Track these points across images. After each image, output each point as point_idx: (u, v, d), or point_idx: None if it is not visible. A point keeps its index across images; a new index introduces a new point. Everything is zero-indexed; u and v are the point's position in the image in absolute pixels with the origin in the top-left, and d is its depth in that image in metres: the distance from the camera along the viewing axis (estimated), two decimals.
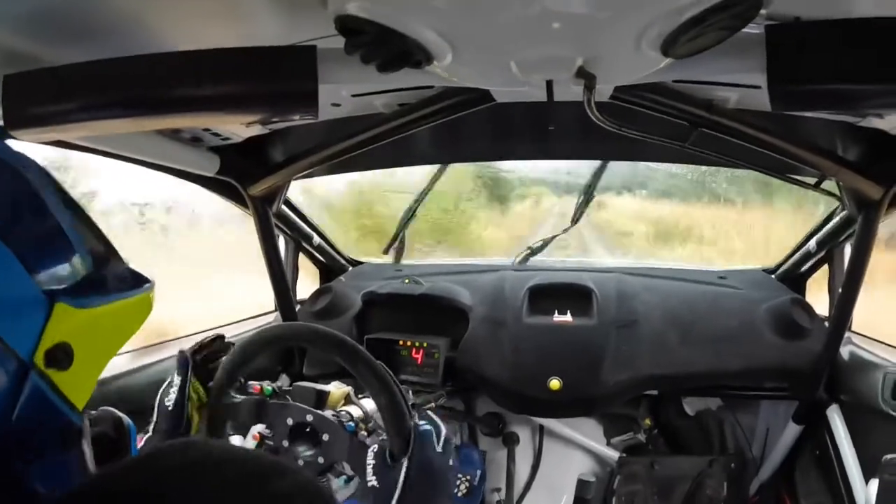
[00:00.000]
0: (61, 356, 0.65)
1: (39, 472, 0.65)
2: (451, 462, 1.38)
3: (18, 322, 0.62)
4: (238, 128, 1.86)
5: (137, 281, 0.78)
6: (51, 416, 0.66)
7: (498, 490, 2.67)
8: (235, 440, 1.48)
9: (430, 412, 1.45)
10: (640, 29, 1.05)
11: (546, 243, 2.80)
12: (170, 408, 1.43)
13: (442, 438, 1.36)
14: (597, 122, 1.44)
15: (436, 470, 1.33)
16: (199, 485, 0.63)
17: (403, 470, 1.26)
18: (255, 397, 1.51)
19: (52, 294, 0.64)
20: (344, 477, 1.45)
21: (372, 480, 1.29)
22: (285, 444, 1.47)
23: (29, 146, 1.34)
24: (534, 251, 2.82)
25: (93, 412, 0.90)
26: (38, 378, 0.63)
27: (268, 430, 1.48)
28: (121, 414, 0.97)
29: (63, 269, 0.67)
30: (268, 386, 1.53)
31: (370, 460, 1.30)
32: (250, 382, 1.57)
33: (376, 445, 1.32)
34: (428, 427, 1.35)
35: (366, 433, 1.44)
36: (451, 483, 1.40)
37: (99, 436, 0.88)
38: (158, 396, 1.45)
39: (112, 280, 0.73)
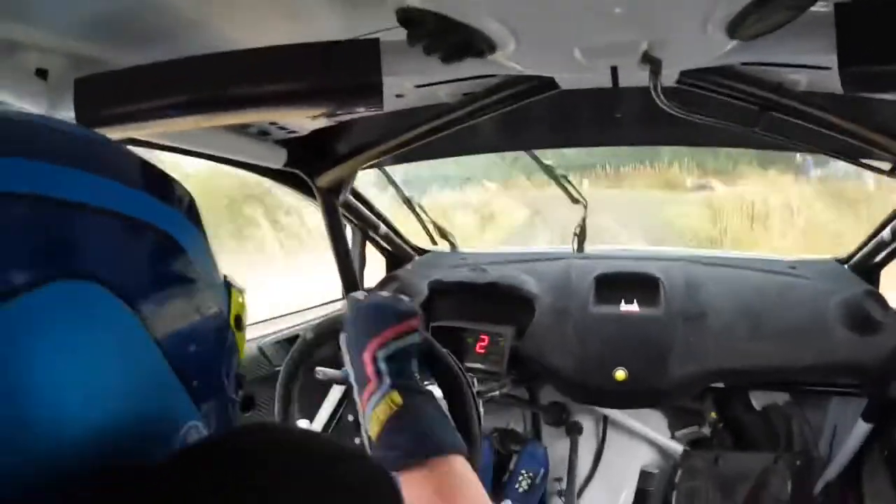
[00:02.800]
0: (239, 322, 0.84)
1: (227, 414, 0.82)
2: None
3: (222, 298, 0.79)
4: (304, 121, 1.89)
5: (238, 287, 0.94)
6: (235, 362, 0.83)
7: (559, 480, 2.67)
8: (303, 423, 1.51)
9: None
10: (705, 11, 1.03)
11: (583, 227, 2.75)
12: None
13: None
14: (664, 108, 1.42)
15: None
16: (265, 468, 0.65)
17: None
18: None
19: (226, 282, 0.82)
20: None
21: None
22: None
23: None
24: (580, 236, 2.77)
25: None
26: (232, 336, 0.82)
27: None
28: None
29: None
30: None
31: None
32: (318, 369, 1.59)
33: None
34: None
35: None
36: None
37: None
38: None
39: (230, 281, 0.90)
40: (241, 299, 0.86)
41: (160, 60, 1.22)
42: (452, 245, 2.97)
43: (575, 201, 2.66)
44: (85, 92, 1.25)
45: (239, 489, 0.62)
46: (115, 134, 1.34)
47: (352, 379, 1.13)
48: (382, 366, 1.09)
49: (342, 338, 1.17)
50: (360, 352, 1.12)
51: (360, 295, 1.20)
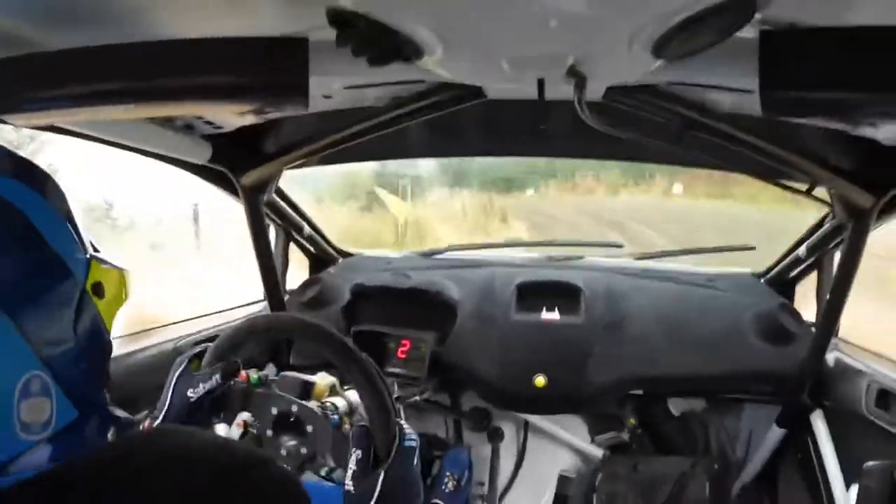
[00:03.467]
0: (99, 289, 0.97)
1: (91, 366, 0.94)
2: (420, 481, 1.38)
3: (77, 265, 0.93)
4: (231, 117, 1.84)
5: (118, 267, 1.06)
6: (96, 328, 0.96)
7: (482, 484, 2.69)
8: (220, 428, 1.48)
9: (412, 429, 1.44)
10: (632, 30, 1.04)
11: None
12: (192, 399, 1.41)
13: (417, 455, 1.35)
14: (587, 122, 1.44)
15: (411, 485, 1.33)
16: (177, 475, 0.64)
17: (380, 481, 1.26)
18: (241, 385, 1.51)
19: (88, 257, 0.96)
20: (326, 468, 1.45)
21: (349, 485, 1.28)
22: (269, 433, 1.46)
23: None
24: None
25: None
26: (89, 299, 0.94)
27: (253, 419, 1.48)
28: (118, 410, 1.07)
29: (83, 244, 0.97)
30: (254, 375, 1.52)
31: (352, 464, 1.30)
32: (234, 362, 1.56)
33: (360, 452, 1.31)
34: (413, 444, 1.35)
35: (349, 426, 1.44)
36: (419, 499, 1.40)
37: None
38: (173, 386, 1.43)
39: (105, 259, 1.02)
40: (103, 270, 0.98)
41: (86, 45, 1.18)
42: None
43: None
44: (5, 73, 1.19)
45: (139, 500, 0.61)
46: (32, 120, 1.29)
47: None
48: None
49: None
50: None
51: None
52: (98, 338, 0.97)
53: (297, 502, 0.72)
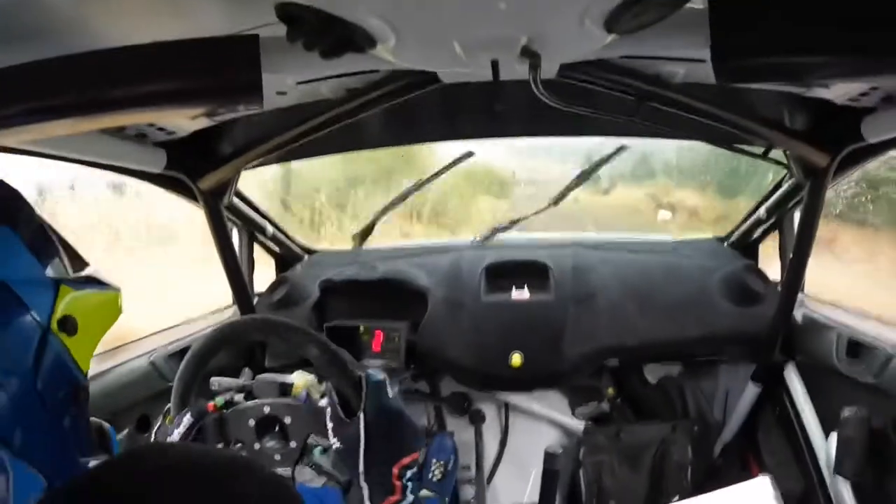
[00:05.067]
0: (69, 325, 0.83)
1: (60, 422, 0.83)
2: (403, 408, 1.39)
3: (37, 297, 0.80)
4: (183, 121, 1.81)
5: (108, 285, 0.96)
6: (64, 369, 0.83)
7: (468, 468, 2.70)
8: None
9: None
10: (582, 7, 1.04)
11: (514, 223, 2.79)
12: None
13: (390, 388, 1.37)
14: (543, 100, 1.44)
15: (393, 414, 1.34)
16: (172, 486, 0.64)
17: (362, 423, 1.26)
18: (212, 416, 1.50)
19: (56, 279, 0.83)
20: (319, 448, 1.45)
21: (335, 442, 1.29)
22: (256, 446, 1.46)
23: None
24: (498, 230, 2.80)
25: None
26: (54, 339, 0.81)
27: (237, 442, 1.47)
28: (100, 420, 1.03)
29: (58, 265, 0.87)
30: (219, 400, 1.52)
31: (329, 422, 1.30)
32: (213, 379, 1.56)
33: (329, 408, 1.32)
34: (380, 377, 1.36)
35: (318, 396, 1.45)
36: (410, 427, 1.41)
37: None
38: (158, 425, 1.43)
39: (91, 279, 0.92)
40: (77, 298, 0.85)
41: (27, 61, 1.14)
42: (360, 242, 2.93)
43: None
44: None
45: None
46: None
47: (362, 480, 1.28)
48: (408, 482, 1.30)
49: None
50: (387, 462, 1.29)
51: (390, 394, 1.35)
52: (66, 386, 0.84)
53: (295, 501, 0.72)
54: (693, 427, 2.58)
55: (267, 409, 1.44)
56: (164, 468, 0.67)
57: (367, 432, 1.27)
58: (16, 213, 0.86)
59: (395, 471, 1.30)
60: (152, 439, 1.43)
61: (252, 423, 1.45)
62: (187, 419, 1.42)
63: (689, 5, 1.04)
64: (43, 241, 0.87)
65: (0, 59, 1.15)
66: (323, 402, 1.38)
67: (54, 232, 0.92)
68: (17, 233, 0.82)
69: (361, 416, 1.28)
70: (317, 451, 1.45)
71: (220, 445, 1.46)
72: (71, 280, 0.87)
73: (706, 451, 2.64)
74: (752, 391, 2.53)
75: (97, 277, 0.94)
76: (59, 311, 0.82)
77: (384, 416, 1.32)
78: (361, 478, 1.27)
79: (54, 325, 0.81)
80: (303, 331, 1.35)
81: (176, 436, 1.41)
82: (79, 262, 0.95)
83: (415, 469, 1.34)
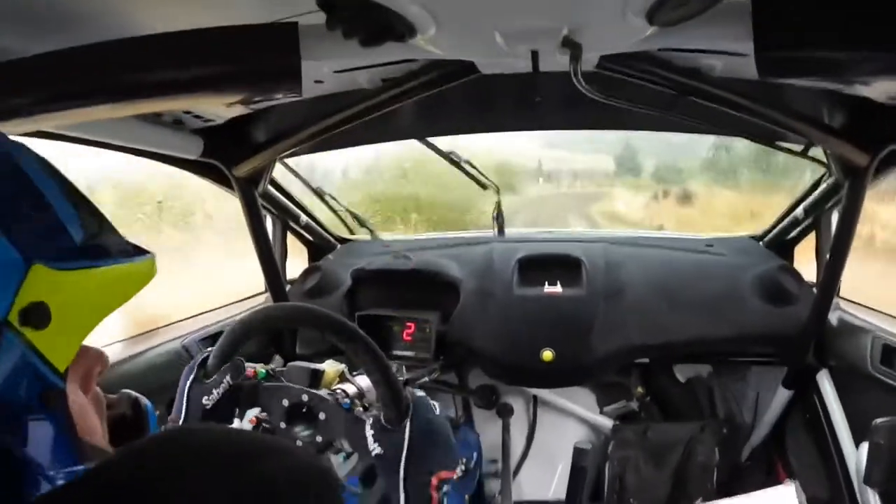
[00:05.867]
0: (37, 315, 0.66)
1: (25, 434, 0.67)
2: (448, 425, 1.39)
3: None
4: (220, 109, 1.83)
5: (136, 251, 0.79)
6: (29, 374, 0.67)
7: (494, 461, 2.70)
8: (234, 423, 1.48)
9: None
10: None
11: (500, 211, 2.75)
12: (208, 406, 1.42)
13: (436, 408, 1.37)
14: (583, 92, 1.43)
15: (437, 429, 1.34)
16: (194, 469, 0.64)
17: (407, 430, 1.27)
18: (250, 382, 1.51)
19: (28, 256, 0.66)
20: (343, 454, 1.46)
21: (375, 448, 1.29)
22: (282, 425, 1.46)
23: None
24: (498, 220, 2.77)
25: (111, 395, 0.90)
26: (14, 335, 0.65)
27: (264, 413, 1.48)
28: (137, 395, 0.98)
29: (46, 235, 0.69)
30: (261, 369, 1.52)
31: (369, 430, 1.31)
32: (241, 360, 1.56)
33: (372, 417, 1.32)
34: (424, 395, 1.36)
35: (362, 409, 1.45)
36: (452, 444, 1.41)
37: (117, 417, 0.90)
38: (186, 394, 1.43)
39: (104, 248, 0.75)
40: (56, 277, 0.68)
41: (70, 47, 1.16)
42: (372, 233, 2.94)
43: (484, 187, 2.64)
44: None
45: (165, 497, 0.60)
46: (22, 126, 1.27)
47: (401, 487, 1.26)
48: (444, 496, 1.28)
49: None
50: (428, 472, 1.27)
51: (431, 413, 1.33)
52: (27, 390, 0.68)
53: (330, 485, 0.72)
54: (721, 428, 2.56)
55: (305, 397, 1.45)
56: (190, 451, 0.67)
57: (411, 440, 1.27)
58: None
59: (434, 481, 1.30)
60: (184, 392, 1.42)
61: (286, 403, 1.46)
62: (227, 382, 1.43)
63: None
64: (31, 205, 0.70)
65: (43, 44, 1.18)
66: (365, 416, 1.38)
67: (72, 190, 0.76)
68: None
69: (408, 423, 1.28)
70: (341, 455, 1.46)
71: (244, 415, 1.47)
72: (58, 253, 0.69)
73: (733, 453, 2.61)
74: (782, 395, 2.49)
75: (115, 247, 0.77)
76: (24, 297, 0.65)
77: (429, 426, 1.32)
78: (401, 485, 1.28)
79: (13, 317, 0.65)
80: (360, 338, 1.34)
81: (215, 395, 1.42)
82: (101, 228, 0.77)
83: (450, 485, 1.34)
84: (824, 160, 1.97)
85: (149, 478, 0.62)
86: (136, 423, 0.95)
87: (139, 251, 0.80)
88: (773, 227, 2.67)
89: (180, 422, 1.40)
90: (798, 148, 1.89)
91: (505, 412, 2.73)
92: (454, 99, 2.04)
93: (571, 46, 1.22)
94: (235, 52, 1.18)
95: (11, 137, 0.72)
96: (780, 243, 2.66)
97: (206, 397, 1.42)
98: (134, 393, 0.97)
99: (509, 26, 1.18)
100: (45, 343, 0.67)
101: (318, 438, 1.44)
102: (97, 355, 0.80)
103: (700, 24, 1.12)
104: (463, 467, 1.57)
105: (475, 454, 1.90)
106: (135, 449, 0.70)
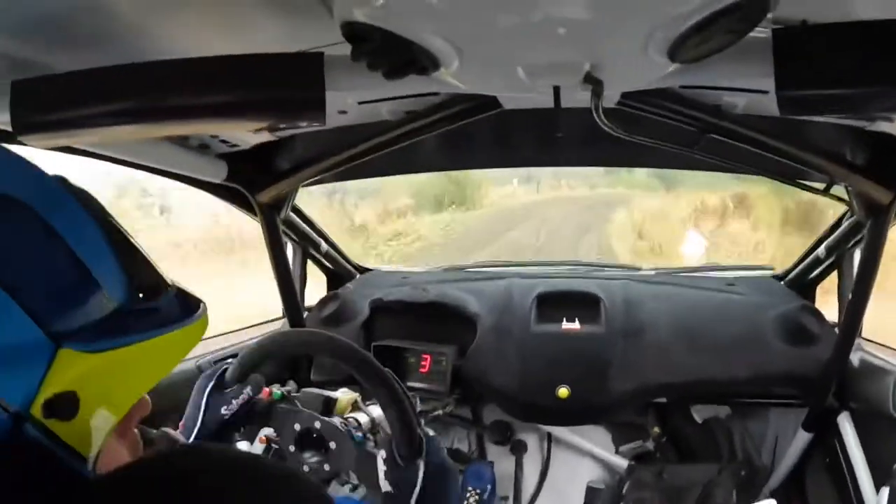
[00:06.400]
0: (64, 406, 0.59)
1: None
2: (456, 469, 1.39)
3: (12, 371, 0.56)
4: (246, 135, 1.86)
5: (184, 309, 0.73)
6: (49, 466, 0.60)
7: (506, 499, 2.67)
8: (242, 445, 1.48)
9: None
10: (646, 34, 1.04)
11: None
12: (226, 417, 1.42)
13: (444, 449, 1.36)
14: (605, 129, 1.44)
15: (449, 470, 1.33)
16: (209, 491, 0.64)
17: (421, 471, 1.26)
18: (264, 402, 1.51)
19: (57, 337, 0.58)
20: (349, 485, 1.45)
21: (386, 486, 1.28)
22: (291, 448, 1.46)
23: None
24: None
25: (152, 431, 0.89)
26: (34, 429, 0.57)
27: (275, 434, 1.48)
28: (177, 435, 0.98)
29: (79, 307, 0.61)
30: (277, 390, 1.53)
31: (381, 466, 1.30)
32: (260, 377, 1.57)
33: (384, 452, 1.31)
34: (434, 436, 1.35)
35: (374, 444, 1.44)
36: (457, 486, 1.40)
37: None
38: (204, 403, 1.43)
39: (146, 316, 0.67)
40: (84, 366, 0.59)
41: (100, 66, 1.19)
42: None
43: None
44: (22, 95, 1.19)
45: None
46: (50, 142, 1.29)
47: None
48: None
49: None
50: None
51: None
52: (51, 484, 0.61)
53: None
54: (740, 471, 2.51)
55: (318, 425, 1.45)
56: (208, 467, 0.67)
57: (424, 481, 1.27)
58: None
59: None
60: (202, 400, 1.41)
61: (297, 427, 1.46)
62: (247, 394, 1.43)
63: (752, 35, 1.04)
64: (61, 272, 0.61)
65: (70, 62, 1.21)
66: (377, 451, 1.38)
67: (117, 239, 0.68)
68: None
69: (422, 464, 1.28)
70: (347, 486, 1.46)
71: (256, 434, 1.47)
72: (93, 331, 0.61)
73: (751, 497, 2.56)
74: (802, 438, 2.45)
75: (162, 308, 0.70)
76: (48, 388, 0.57)
77: (442, 469, 1.32)
78: None
79: (36, 410, 0.57)
80: (379, 372, 1.34)
81: (234, 405, 1.42)
82: (140, 281, 0.69)
83: None
84: (846, 198, 1.96)
85: (161, 490, 0.62)
86: None
87: (187, 307, 0.73)
88: (795, 266, 2.65)
89: (194, 430, 1.39)
90: (820, 186, 1.88)
91: (519, 448, 2.71)
92: (476, 132, 2.06)
93: (593, 82, 1.23)
94: (261, 80, 1.20)
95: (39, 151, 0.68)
96: (802, 283, 2.63)
97: (225, 407, 1.42)
98: (173, 432, 0.98)
99: (532, 61, 1.20)
100: (71, 433, 0.60)
101: (326, 467, 1.43)
102: (140, 403, 0.75)
103: (722, 61, 1.13)
104: (477, 498, 1.56)
105: (489, 487, 1.89)
106: (150, 461, 0.69)
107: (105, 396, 0.63)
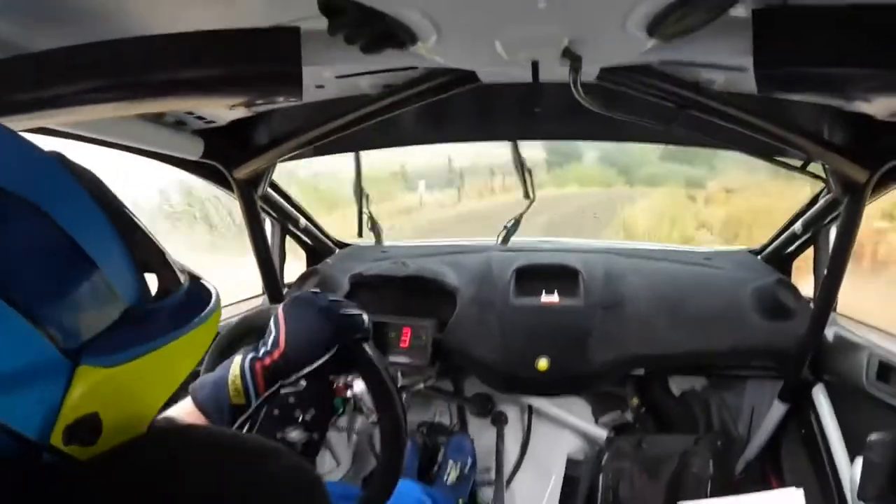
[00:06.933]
0: (86, 430, 0.54)
1: None
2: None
3: (26, 396, 0.50)
4: (222, 111, 1.84)
5: (200, 301, 0.68)
6: (67, 489, 0.55)
7: (488, 470, 2.69)
8: None
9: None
10: (626, 9, 1.04)
11: (518, 220, 2.74)
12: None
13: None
14: (583, 104, 1.43)
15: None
16: (201, 461, 0.64)
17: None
18: None
19: (74, 353, 0.52)
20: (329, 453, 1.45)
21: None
22: (273, 424, 1.46)
23: None
24: (510, 230, 2.77)
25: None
26: (53, 457, 0.53)
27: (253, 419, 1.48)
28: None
29: (94, 314, 0.55)
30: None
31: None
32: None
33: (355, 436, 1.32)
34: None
35: (353, 409, 1.45)
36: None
37: None
38: None
39: (163, 315, 0.63)
40: (105, 381, 0.54)
41: (74, 44, 1.17)
42: (378, 238, 2.93)
43: (526, 195, 2.63)
44: None
45: (159, 494, 0.60)
46: (24, 122, 1.27)
47: None
48: None
49: None
50: None
51: None
52: None
53: (313, 487, 0.73)
54: (716, 441, 2.55)
55: (292, 400, 1.45)
56: (195, 444, 0.68)
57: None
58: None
59: None
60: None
61: (276, 412, 1.46)
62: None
63: (732, 12, 1.04)
64: (71, 276, 0.55)
65: (45, 41, 1.18)
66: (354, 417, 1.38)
67: (124, 225, 0.62)
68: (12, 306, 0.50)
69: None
70: (326, 455, 1.46)
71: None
72: (111, 340, 0.55)
73: (728, 466, 2.60)
74: (778, 409, 2.49)
75: (181, 303, 0.65)
76: (69, 413, 0.52)
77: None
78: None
79: (56, 440, 0.52)
80: (367, 357, 1.33)
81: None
82: (156, 270, 0.65)
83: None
84: (823, 175, 1.97)
85: (156, 465, 0.62)
86: None
87: (201, 297, 0.67)
88: (772, 241, 2.68)
89: None
90: (797, 163, 1.89)
91: (499, 421, 2.73)
92: (456, 106, 2.04)
93: (571, 57, 1.23)
94: (237, 55, 1.19)
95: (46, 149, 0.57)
96: (779, 257, 2.66)
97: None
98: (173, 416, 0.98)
99: (510, 36, 1.19)
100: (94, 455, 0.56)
101: (315, 436, 1.44)
102: None
103: (701, 38, 1.13)
104: (458, 472, 1.57)
105: (469, 459, 1.90)
106: (142, 438, 0.64)
107: (128, 413, 0.59)
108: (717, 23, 1.06)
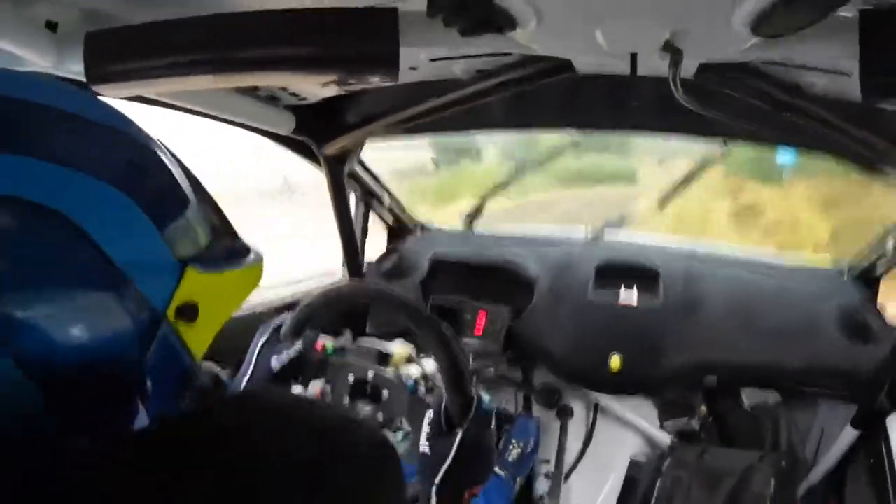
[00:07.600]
0: (189, 312, 0.74)
1: (157, 408, 0.75)
2: (494, 444, 1.40)
3: (157, 282, 0.71)
4: (315, 88, 1.88)
5: (251, 252, 0.88)
6: (175, 361, 0.76)
7: (547, 462, 2.69)
8: (296, 389, 1.51)
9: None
10: (731, 3, 1.01)
11: (623, 220, 2.72)
12: (276, 369, 1.46)
13: (493, 423, 1.37)
14: (679, 100, 1.40)
15: (485, 448, 1.34)
16: (282, 428, 0.69)
17: (455, 443, 1.27)
18: (316, 355, 1.54)
19: (183, 260, 0.73)
20: (402, 432, 1.48)
21: (424, 447, 1.30)
22: (345, 401, 1.50)
23: None
24: (608, 226, 2.74)
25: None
26: (168, 329, 0.73)
27: (328, 386, 1.51)
28: (218, 369, 1.04)
29: (191, 239, 0.76)
30: (329, 344, 1.55)
31: (426, 426, 1.31)
32: (314, 333, 1.59)
33: (432, 412, 1.32)
34: (490, 407, 1.36)
35: (425, 390, 1.46)
36: (491, 461, 1.41)
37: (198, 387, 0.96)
38: (256, 353, 1.46)
39: (230, 250, 0.84)
40: (204, 280, 0.75)
41: (173, 18, 1.20)
42: (469, 224, 2.93)
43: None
44: (96, 46, 1.21)
45: (225, 463, 0.63)
46: (123, 91, 1.32)
47: (433, 492, 1.28)
48: None
49: None
50: (463, 485, 1.30)
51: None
52: (174, 376, 0.77)
53: (394, 460, 0.74)
54: (781, 461, 2.47)
55: (371, 375, 1.47)
56: (272, 410, 0.71)
57: (457, 451, 1.28)
58: (141, 178, 0.71)
59: (466, 496, 1.31)
60: (254, 350, 1.45)
61: (351, 379, 1.49)
62: (297, 349, 1.46)
63: (839, 13, 0.99)
64: (175, 210, 0.74)
65: (146, 14, 1.22)
66: (428, 398, 1.39)
67: (202, 194, 0.82)
68: (139, 205, 0.68)
69: (460, 433, 1.28)
70: (399, 433, 1.48)
71: (305, 390, 1.50)
72: (202, 258, 0.76)
73: (790, 489, 2.51)
74: (848, 434, 2.40)
75: (238, 247, 0.86)
76: (181, 297, 0.73)
77: (478, 444, 1.32)
78: (433, 489, 1.28)
79: (171, 314, 0.72)
80: (433, 323, 1.35)
81: (284, 357, 1.45)
82: (224, 229, 0.86)
83: (478, 498, 1.34)
84: None
85: (234, 426, 0.66)
86: (215, 394, 1.00)
87: (251, 251, 0.88)
88: (860, 259, 2.58)
89: (243, 381, 1.43)
90: None
91: (565, 414, 2.72)
92: (547, 94, 2.03)
93: (672, 51, 1.21)
94: (334, 35, 1.20)
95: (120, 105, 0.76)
96: (865, 277, 2.56)
97: (275, 359, 1.46)
98: (215, 368, 1.03)
99: (611, 26, 1.17)
100: (191, 336, 0.76)
101: (380, 416, 1.46)
102: None
103: (804, 39, 1.10)
104: (519, 450, 1.57)
105: (532, 440, 1.90)
106: (223, 400, 0.75)
107: (214, 310, 0.79)
108: (824, 23, 1.02)
